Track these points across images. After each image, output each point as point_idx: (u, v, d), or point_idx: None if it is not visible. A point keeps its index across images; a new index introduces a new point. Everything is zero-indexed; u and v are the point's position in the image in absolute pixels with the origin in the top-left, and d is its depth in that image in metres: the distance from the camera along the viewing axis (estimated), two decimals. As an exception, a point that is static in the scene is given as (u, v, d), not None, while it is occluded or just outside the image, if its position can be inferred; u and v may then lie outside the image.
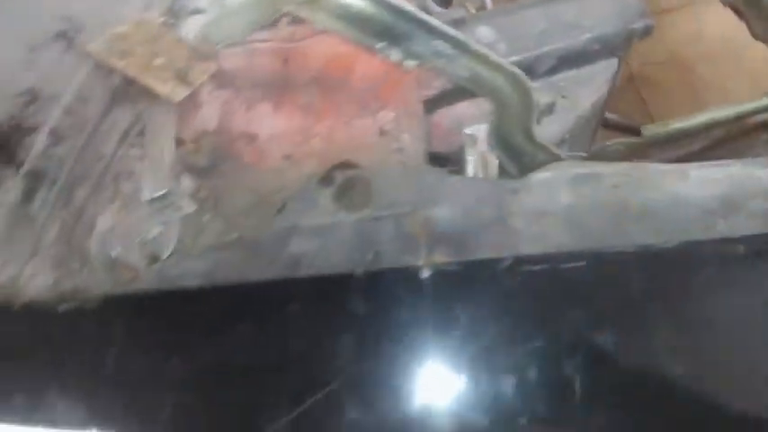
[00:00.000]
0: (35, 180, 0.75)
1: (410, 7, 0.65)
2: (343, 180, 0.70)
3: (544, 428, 0.42)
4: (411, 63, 0.67)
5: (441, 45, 0.65)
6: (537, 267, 0.48)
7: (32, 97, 0.79)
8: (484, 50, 0.68)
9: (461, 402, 0.43)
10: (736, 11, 1.27)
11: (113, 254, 0.68)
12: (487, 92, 0.70)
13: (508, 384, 0.42)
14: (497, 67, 0.67)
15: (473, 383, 0.44)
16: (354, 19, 0.66)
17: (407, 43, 0.66)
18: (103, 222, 0.74)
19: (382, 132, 0.79)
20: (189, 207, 0.74)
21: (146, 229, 0.71)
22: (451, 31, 0.68)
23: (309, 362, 0.47)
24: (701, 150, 0.73)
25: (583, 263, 0.47)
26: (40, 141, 0.77)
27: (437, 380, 0.45)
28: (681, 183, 0.54)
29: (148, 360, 0.50)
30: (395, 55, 0.67)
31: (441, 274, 0.50)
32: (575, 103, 0.85)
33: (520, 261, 0.49)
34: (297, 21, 0.87)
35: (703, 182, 0.53)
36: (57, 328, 0.55)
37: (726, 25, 1.40)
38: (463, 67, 0.67)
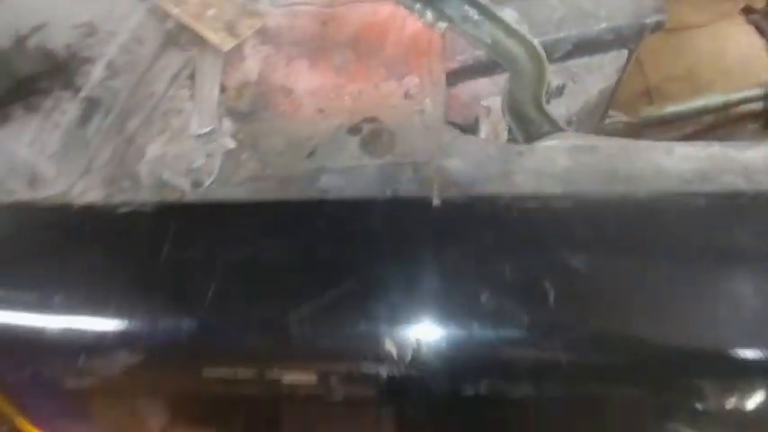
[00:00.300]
0: (91, 107, 0.82)
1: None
2: (370, 131, 0.78)
3: (522, 326, 0.50)
4: (442, 25, 0.73)
5: (469, 11, 0.72)
6: (530, 204, 0.55)
7: (90, 30, 0.85)
8: (506, 20, 0.75)
9: (456, 302, 0.51)
10: (760, 29, 1.31)
11: (163, 177, 0.75)
12: (505, 58, 0.76)
13: (496, 287, 0.50)
14: (517, 36, 0.74)
15: (468, 287, 0.52)
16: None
17: (441, 5, 0.73)
18: (153, 150, 0.81)
19: (407, 95, 0.86)
20: (230, 144, 0.81)
21: (192, 159, 0.78)
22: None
23: (331, 265, 0.55)
24: (693, 134, 0.79)
25: (569, 203, 0.54)
26: (97, 72, 0.83)
27: (438, 282, 0.53)
28: (666, 156, 0.61)
29: (196, 256, 0.57)
30: (429, 15, 0.73)
31: (449, 203, 0.58)
32: (584, 89, 0.91)
33: (516, 198, 0.57)
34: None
35: (685, 157, 0.60)
36: (114, 228, 0.63)
37: (747, 47, 1.45)
38: (486, 33, 0.74)
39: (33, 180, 0.78)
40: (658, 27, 0.94)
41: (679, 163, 0.60)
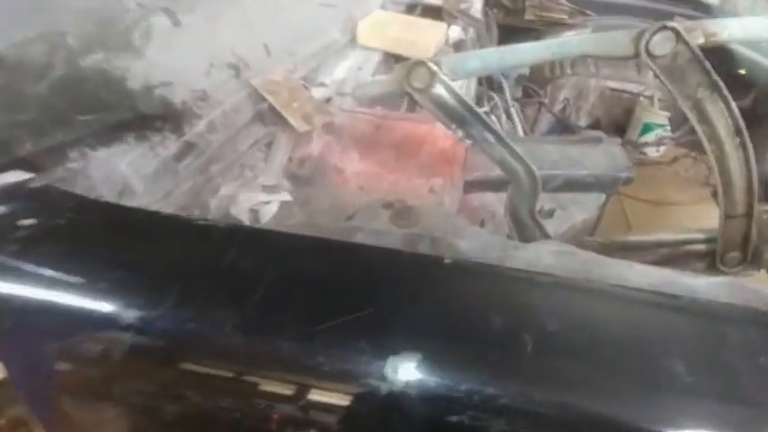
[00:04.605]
0: (188, 148, 0.87)
1: (476, 108, 0.81)
2: (399, 207, 0.82)
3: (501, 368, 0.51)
4: (467, 142, 0.81)
5: (488, 135, 0.80)
6: (520, 275, 0.59)
7: (203, 96, 0.93)
8: (513, 145, 0.83)
9: (451, 341, 0.53)
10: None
11: (230, 211, 0.79)
12: (509, 173, 0.83)
13: (486, 334, 0.52)
14: (519, 159, 0.81)
15: (463, 330, 0.54)
16: (443, 106, 0.82)
17: (468, 128, 0.81)
18: (226, 190, 0.85)
19: (431, 190, 0.92)
20: (287, 197, 0.85)
21: (255, 202, 0.82)
22: (497, 128, 0.83)
23: (354, 294, 0.57)
24: (650, 262, 0.83)
25: (551, 279, 0.59)
26: (200, 125, 0.90)
27: (438, 323, 0.54)
28: (628, 270, 0.64)
29: (251, 267, 0.59)
30: (459, 134, 0.81)
31: (458, 263, 0.61)
32: (569, 216, 0.97)
33: (510, 269, 0.60)
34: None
35: (643, 274, 0.63)
36: (189, 233, 0.65)
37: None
38: (498, 153, 0.81)
39: (123, 191, 0.81)
40: (628, 182, 1.03)
41: (638, 277, 0.63)
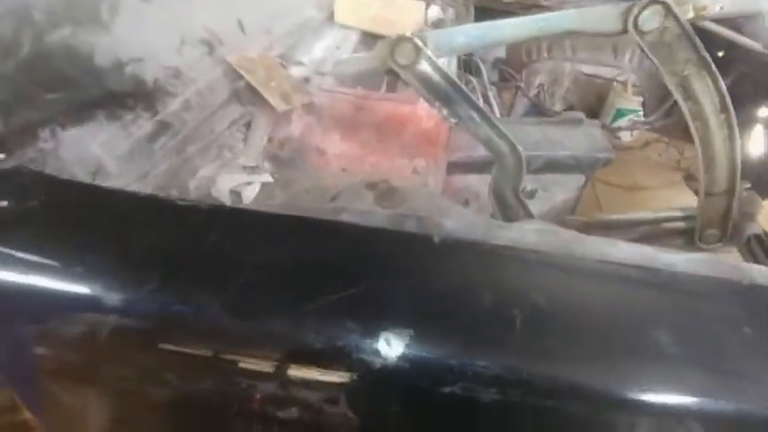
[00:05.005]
0: (162, 128, 0.84)
1: (462, 85, 0.80)
2: (384, 188, 0.81)
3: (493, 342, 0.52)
4: (452, 121, 0.81)
5: (473, 113, 0.80)
6: (506, 252, 0.60)
7: (176, 73, 0.90)
8: (498, 124, 0.83)
9: (442, 316, 0.53)
10: (698, 194, 1.40)
11: (210, 193, 0.76)
12: (494, 152, 0.83)
13: (476, 309, 0.53)
14: (505, 138, 0.81)
15: (453, 305, 0.55)
16: (428, 83, 0.80)
17: (454, 106, 0.80)
18: (205, 172, 0.83)
19: (414, 171, 0.91)
20: (268, 179, 0.83)
21: (236, 183, 0.80)
22: (481, 107, 0.83)
23: (343, 271, 0.57)
24: (631, 241, 0.86)
25: (534, 256, 0.60)
26: (174, 104, 0.87)
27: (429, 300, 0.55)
28: (610, 247, 0.64)
29: (233, 248, 0.58)
30: (444, 112, 0.80)
31: (446, 241, 0.61)
32: (550, 196, 0.99)
33: (496, 246, 0.61)
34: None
35: (624, 251, 0.64)
36: (170, 213, 0.63)
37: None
38: (483, 132, 0.81)
39: (97, 173, 0.77)
40: (607, 163, 1.05)
41: (619, 254, 0.64)
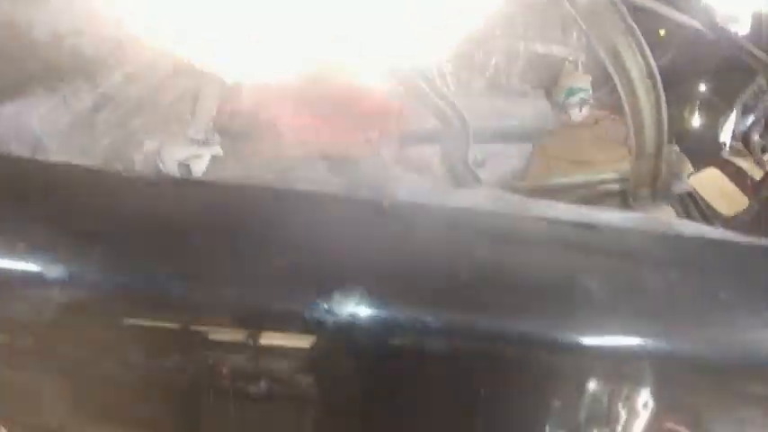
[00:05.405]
0: (104, 101, 0.81)
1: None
2: (338, 159, 0.82)
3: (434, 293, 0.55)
4: (404, 91, 0.82)
5: (422, 84, 0.82)
6: (452, 213, 0.63)
7: (119, 46, 0.87)
8: (447, 95, 0.85)
9: (393, 273, 0.56)
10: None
11: (157, 166, 0.75)
12: (444, 122, 0.86)
13: (425, 264, 0.55)
14: (453, 107, 0.84)
15: (403, 261, 0.56)
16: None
17: (404, 77, 0.82)
18: (150, 145, 0.81)
19: (368, 142, 0.93)
20: (218, 152, 0.83)
21: (184, 156, 0.78)
22: (429, 78, 0.85)
23: (287, 236, 0.57)
24: (571, 203, 0.91)
25: (475, 215, 0.63)
26: (116, 77, 0.84)
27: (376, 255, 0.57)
28: (549, 209, 0.69)
29: (180, 218, 0.58)
30: (395, 83, 0.82)
31: (396, 205, 0.63)
32: (499, 165, 1.02)
33: (443, 208, 0.64)
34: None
35: (563, 211, 0.69)
36: (116, 187, 0.62)
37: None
38: (432, 102, 0.84)
39: (35, 149, 0.74)
40: (552, 132, 1.09)
41: (558, 214, 0.68)
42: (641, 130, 0.76)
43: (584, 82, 2.45)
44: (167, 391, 0.59)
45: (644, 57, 0.70)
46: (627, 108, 0.75)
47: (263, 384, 0.56)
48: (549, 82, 2.58)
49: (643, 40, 0.69)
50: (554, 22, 1.97)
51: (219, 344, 0.55)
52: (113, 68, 0.84)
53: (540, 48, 2.23)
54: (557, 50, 2.29)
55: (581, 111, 2.79)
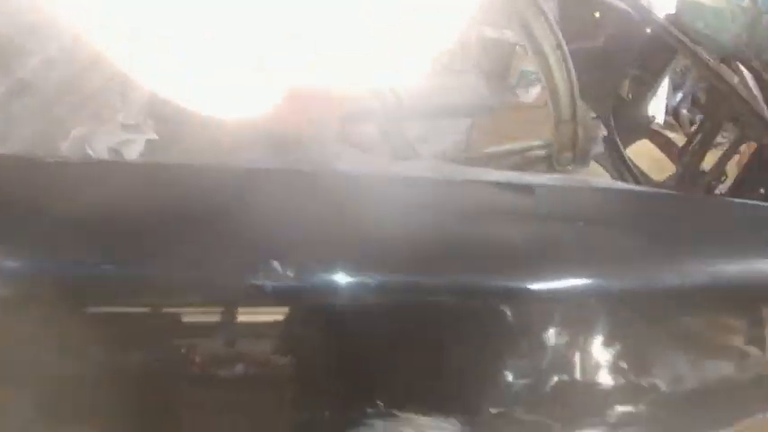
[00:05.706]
0: (22, 87, 0.76)
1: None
2: (279, 138, 0.81)
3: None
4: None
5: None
6: (384, 180, 0.64)
7: (33, 29, 0.81)
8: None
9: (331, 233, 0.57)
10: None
11: (87, 151, 0.71)
12: (378, 97, 0.87)
13: (364, 228, 0.56)
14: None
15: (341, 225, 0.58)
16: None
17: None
18: (78, 132, 0.77)
19: (309, 121, 0.92)
20: (152, 136, 0.79)
21: (115, 141, 0.75)
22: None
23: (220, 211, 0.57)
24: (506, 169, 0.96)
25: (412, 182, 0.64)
26: (34, 61, 0.79)
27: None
28: (487, 175, 0.73)
29: (111, 202, 0.55)
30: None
31: (325, 172, 0.63)
32: (441, 138, 1.05)
33: (380, 176, 0.65)
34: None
35: (497, 176, 0.72)
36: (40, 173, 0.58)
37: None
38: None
39: (-54, 140, 0.69)
40: (493, 109, 1.13)
41: (492, 178, 0.71)
42: (557, 98, 0.80)
43: (535, 65, 2.53)
44: (113, 381, 0.57)
45: (552, 31, 0.75)
46: (543, 78, 0.79)
47: (212, 362, 0.55)
48: (502, 67, 2.66)
49: (548, 14, 0.74)
50: (501, 9, 2.02)
51: (165, 325, 0.53)
52: (30, 54, 0.79)
53: (490, 32, 2.29)
54: (509, 35, 2.35)
55: (528, 92, 2.90)
